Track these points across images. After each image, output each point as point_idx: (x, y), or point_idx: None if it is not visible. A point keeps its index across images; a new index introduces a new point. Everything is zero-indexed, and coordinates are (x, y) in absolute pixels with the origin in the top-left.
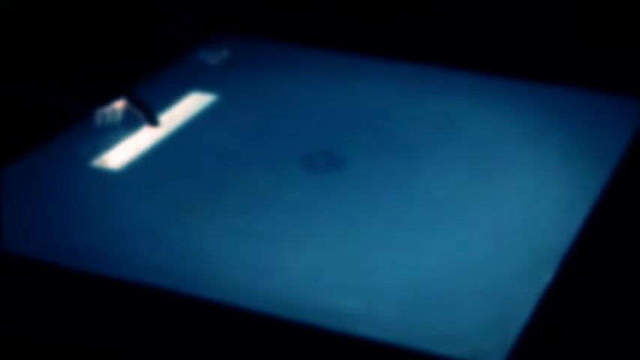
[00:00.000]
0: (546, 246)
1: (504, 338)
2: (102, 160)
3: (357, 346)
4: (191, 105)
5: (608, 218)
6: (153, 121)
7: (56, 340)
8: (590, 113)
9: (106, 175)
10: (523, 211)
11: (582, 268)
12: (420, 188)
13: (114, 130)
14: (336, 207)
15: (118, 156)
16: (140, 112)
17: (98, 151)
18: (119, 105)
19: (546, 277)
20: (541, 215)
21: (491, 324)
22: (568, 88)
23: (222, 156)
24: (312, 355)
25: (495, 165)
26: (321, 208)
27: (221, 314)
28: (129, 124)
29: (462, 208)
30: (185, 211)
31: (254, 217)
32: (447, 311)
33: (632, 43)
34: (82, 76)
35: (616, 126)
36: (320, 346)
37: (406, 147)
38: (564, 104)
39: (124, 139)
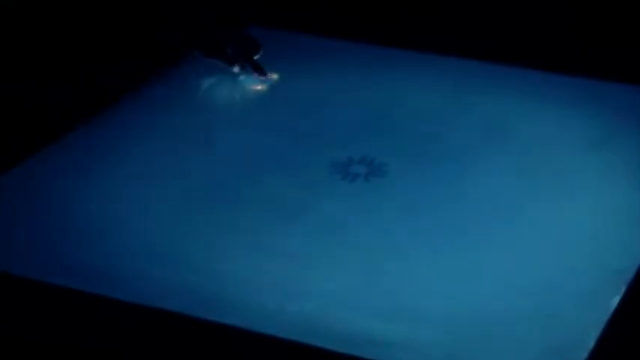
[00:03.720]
0: (613, 265)
1: None
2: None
3: None
4: (208, 104)
5: None
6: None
7: None
8: None
9: (111, 182)
10: (586, 225)
11: None
12: (468, 200)
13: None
14: (374, 221)
15: None
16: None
17: (102, 156)
18: None
19: (613, 300)
20: (607, 231)
21: (551, 353)
22: (638, 88)
23: (245, 163)
24: None
25: (554, 173)
26: (357, 223)
27: (245, 343)
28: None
29: (516, 223)
30: (202, 226)
31: (281, 233)
32: (501, 338)
33: None
34: (83, 76)
35: None
36: None
37: (453, 153)
38: (634, 105)
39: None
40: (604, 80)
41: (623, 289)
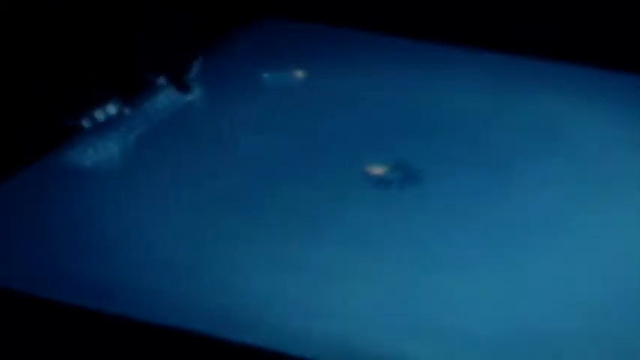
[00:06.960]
0: None
1: None
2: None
3: None
4: (226, 106)
5: None
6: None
7: None
8: None
9: (120, 191)
10: None
11: None
12: (512, 209)
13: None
14: (409, 232)
15: None
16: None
17: (110, 162)
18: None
19: None
20: None
21: None
22: None
23: (267, 168)
24: None
25: (608, 180)
26: (391, 234)
27: None
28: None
29: (565, 234)
30: (219, 237)
31: (307, 245)
32: None
33: None
34: (84, 76)
35: None
36: None
37: (495, 158)
38: None
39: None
40: None
41: None
